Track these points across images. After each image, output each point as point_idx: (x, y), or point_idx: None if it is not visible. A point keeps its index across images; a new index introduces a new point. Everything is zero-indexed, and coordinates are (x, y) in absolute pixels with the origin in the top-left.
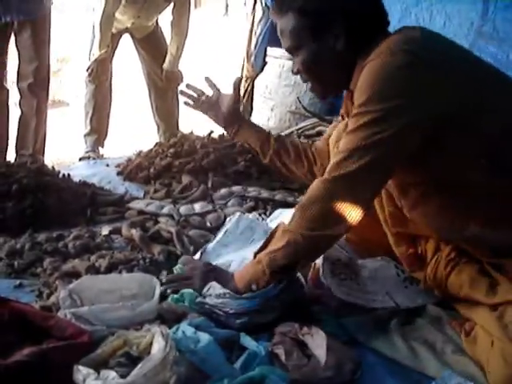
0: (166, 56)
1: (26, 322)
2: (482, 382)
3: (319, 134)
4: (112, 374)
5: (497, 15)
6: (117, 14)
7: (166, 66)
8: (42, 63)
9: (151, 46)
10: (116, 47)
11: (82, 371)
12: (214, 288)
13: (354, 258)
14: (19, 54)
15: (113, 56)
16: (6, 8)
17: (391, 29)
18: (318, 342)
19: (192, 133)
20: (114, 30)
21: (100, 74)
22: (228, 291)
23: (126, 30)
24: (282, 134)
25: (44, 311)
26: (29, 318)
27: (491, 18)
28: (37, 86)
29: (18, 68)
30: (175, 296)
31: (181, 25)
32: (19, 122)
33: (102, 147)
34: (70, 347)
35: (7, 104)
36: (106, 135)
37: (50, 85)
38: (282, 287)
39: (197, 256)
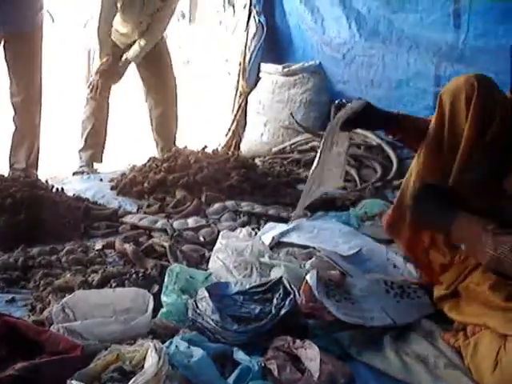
0: (168, 72)
1: (19, 337)
2: None
3: (312, 149)
4: None
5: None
6: (119, 27)
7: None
8: (33, 78)
9: (153, 62)
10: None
11: None
12: (207, 309)
13: (343, 276)
14: (9, 69)
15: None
16: None
17: None
18: (311, 356)
19: (186, 147)
20: (120, 45)
21: (102, 89)
22: (221, 321)
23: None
24: (275, 149)
25: (37, 325)
26: (21, 332)
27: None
28: (29, 101)
29: (10, 83)
30: (165, 311)
31: (158, 25)
32: (13, 137)
33: (100, 162)
34: (63, 362)
35: None
36: (103, 151)
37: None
38: (275, 324)
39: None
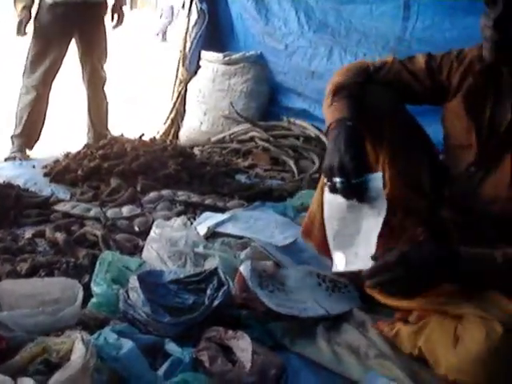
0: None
1: None
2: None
3: (252, 139)
4: (30, 381)
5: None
6: None
7: None
8: None
9: (91, 38)
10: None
11: None
12: (138, 301)
13: (278, 267)
14: None
15: (61, 63)
16: None
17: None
18: (243, 347)
19: (122, 135)
20: None
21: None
22: (152, 314)
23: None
24: (214, 138)
25: None
26: None
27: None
28: None
29: None
30: (95, 301)
31: None
32: None
33: (31, 149)
34: None
35: None
36: (38, 139)
37: None
38: (208, 315)
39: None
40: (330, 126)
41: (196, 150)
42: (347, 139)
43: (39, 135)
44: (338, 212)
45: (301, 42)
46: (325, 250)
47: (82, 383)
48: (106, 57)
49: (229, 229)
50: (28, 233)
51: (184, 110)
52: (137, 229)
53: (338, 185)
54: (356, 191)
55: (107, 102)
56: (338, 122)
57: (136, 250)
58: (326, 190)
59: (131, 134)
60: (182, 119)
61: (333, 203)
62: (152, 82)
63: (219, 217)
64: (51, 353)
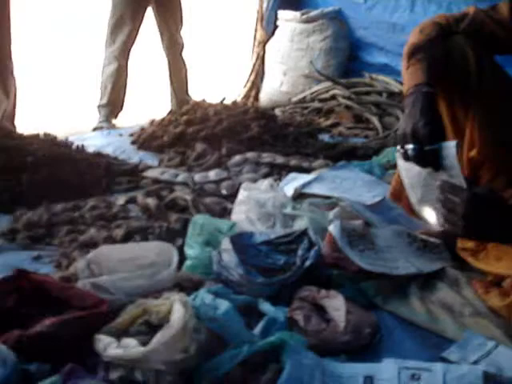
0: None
1: (46, 294)
2: (504, 342)
3: (333, 97)
4: (133, 342)
5: None
6: None
7: None
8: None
9: (167, 5)
10: (141, 21)
11: (102, 340)
12: (231, 262)
13: (367, 226)
14: None
15: (137, 32)
16: None
17: None
18: (336, 306)
19: (204, 100)
20: None
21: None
22: (246, 275)
23: None
24: (295, 98)
25: (63, 282)
26: (48, 289)
27: None
28: None
29: None
30: (189, 264)
31: None
32: None
33: (116, 118)
34: (90, 317)
35: None
36: (122, 108)
37: None
38: (300, 275)
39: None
40: (407, 91)
41: (277, 111)
42: (422, 106)
43: (123, 104)
44: (418, 180)
45: None
46: (414, 212)
47: (182, 343)
48: (182, 23)
49: (316, 189)
50: (120, 199)
51: (263, 72)
52: (224, 192)
53: (410, 152)
54: (429, 159)
55: (186, 69)
56: (414, 87)
57: (225, 213)
58: (399, 157)
59: (212, 99)
60: (262, 81)
61: (412, 171)
62: (228, 44)
63: (305, 177)
64: (151, 314)
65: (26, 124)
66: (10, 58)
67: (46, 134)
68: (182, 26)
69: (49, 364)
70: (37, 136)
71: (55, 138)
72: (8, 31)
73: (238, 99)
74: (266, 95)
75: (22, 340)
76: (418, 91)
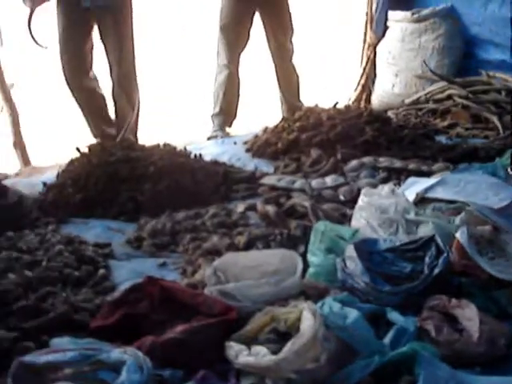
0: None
1: (175, 300)
2: None
3: (449, 97)
4: (263, 350)
5: None
6: None
7: None
8: (124, 52)
9: (276, 17)
10: (250, 26)
11: (234, 347)
12: (356, 269)
13: (496, 232)
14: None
15: (247, 38)
16: None
17: None
18: (468, 316)
19: (317, 105)
20: None
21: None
22: (372, 283)
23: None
24: (408, 100)
25: (190, 289)
26: (177, 296)
27: None
28: (123, 74)
29: (107, 59)
30: (313, 271)
31: None
32: (115, 112)
33: (230, 127)
34: (220, 324)
35: (97, 91)
36: (235, 116)
37: None
38: (428, 284)
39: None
40: None
41: (390, 114)
42: None
43: (236, 112)
44: None
45: None
46: None
47: (313, 352)
48: (291, 29)
49: (439, 193)
50: (240, 207)
51: (374, 74)
52: (342, 198)
53: None
54: None
55: (297, 75)
56: None
57: (344, 219)
58: None
59: (324, 104)
60: (373, 83)
61: None
62: (338, 48)
63: (427, 181)
64: (279, 322)
65: (145, 135)
66: (135, 72)
67: (165, 145)
68: (291, 32)
69: (181, 370)
70: (157, 147)
71: (174, 148)
72: (132, 45)
73: (350, 103)
74: (378, 98)
75: (155, 346)
76: None
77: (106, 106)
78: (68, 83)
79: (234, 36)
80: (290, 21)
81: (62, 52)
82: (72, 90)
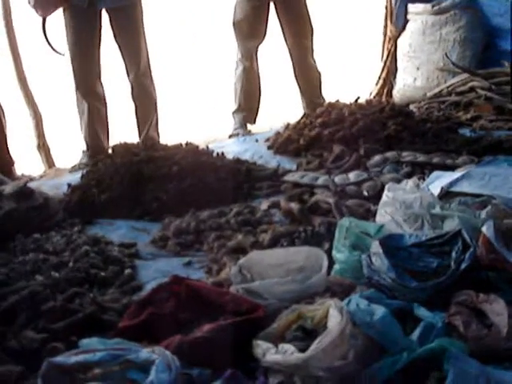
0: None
1: (202, 299)
2: None
3: (472, 89)
4: (290, 347)
5: None
6: None
7: None
8: (140, 52)
9: (293, 14)
10: (265, 21)
11: (261, 345)
12: (382, 266)
13: None
14: (118, 46)
15: (263, 33)
16: None
17: None
18: (497, 310)
19: (338, 100)
20: None
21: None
22: (398, 279)
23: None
24: (431, 93)
25: (216, 287)
26: (204, 294)
27: None
28: (141, 74)
29: (123, 60)
30: (338, 268)
31: None
32: (136, 114)
33: (253, 123)
34: (248, 322)
35: (104, 100)
36: (257, 113)
37: None
38: (455, 279)
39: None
40: None
41: (412, 107)
42: None
43: (257, 108)
44: None
45: None
46: None
47: (341, 349)
48: (310, 27)
49: (464, 187)
50: (263, 204)
51: (395, 68)
52: (366, 193)
53: None
54: None
55: (319, 72)
56: None
57: (368, 215)
58: None
59: (346, 99)
60: (394, 77)
61: None
62: (358, 43)
63: (451, 175)
64: (306, 319)
65: (167, 134)
66: (151, 70)
67: (188, 144)
68: (311, 30)
69: (209, 369)
70: (180, 146)
71: (197, 147)
72: (146, 44)
73: (371, 97)
74: (400, 91)
75: (182, 345)
76: None
77: (107, 117)
78: (79, 88)
79: (246, 31)
80: (309, 19)
81: (73, 57)
82: (83, 95)
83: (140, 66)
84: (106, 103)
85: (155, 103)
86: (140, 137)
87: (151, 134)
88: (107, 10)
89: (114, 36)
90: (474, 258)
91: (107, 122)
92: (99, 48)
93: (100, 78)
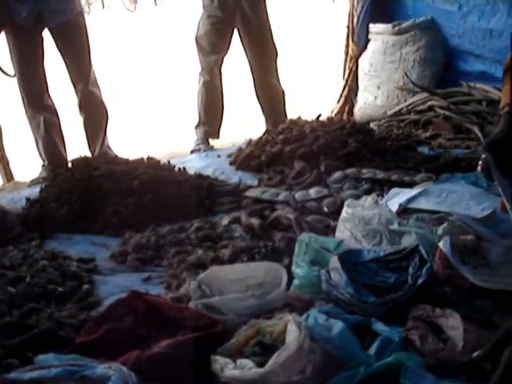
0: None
1: (160, 314)
2: None
3: (431, 108)
4: (249, 363)
5: None
6: None
7: None
8: (87, 63)
9: (255, 36)
10: (228, 39)
11: (219, 361)
12: (340, 281)
13: (478, 241)
14: (64, 60)
15: (224, 49)
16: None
17: None
18: (453, 325)
19: (300, 117)
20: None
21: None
22: (357, 294)
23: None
24: (391, 111)
25: (175, 302)
26: (163, 310)
27: None
28: (91, 85)
29: (69, 73)
30: (298, 283)
31: None
32: (85, 125)
33: (216, 138)
34: (206, 338)
35: (56, 113)
36: (220, 127)
37: None
38: (412, 294)
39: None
40: (500, 111)
41: (373, 125)
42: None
43: (219, 123)
44: None
45: (477, 1)
46: None
47: (299, 364)
48: (274, 49)
49: (422, 204)
50: (224, 220)
51: (356, 87)
52: (326, 209)
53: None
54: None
55: (282, 90)
56: (502, 110)
57: (328, 231)
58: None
59: (307, 116)
60: (356, 95)
61: None
62: (319, 61)
63: (409, 192)
64: (265, 334)
65: (129, 148)
66: (97, 82)
67: (149, 158)
68: (274, 52)
69: None
70: (141, 160)
71: (158, 161)
72: (90, 57)
73: (333, 115)
74: (361, 110)
75: (140, 361)
76: (503, 113)
77: (61, 127)
78: (29, 104)
79: (207, 46)
80: (273, 41)
81: (20, 74)
82: (36, 110)
83: (88, 77)
84: (58, 116)
85: (106, 113)
86: (90, 149)
87: (105, 149)
88: (50, 29)
89: (60, 51)
90: (431, 273)
91: (63, 135)
92: (43, 63)
93: (48, 92)
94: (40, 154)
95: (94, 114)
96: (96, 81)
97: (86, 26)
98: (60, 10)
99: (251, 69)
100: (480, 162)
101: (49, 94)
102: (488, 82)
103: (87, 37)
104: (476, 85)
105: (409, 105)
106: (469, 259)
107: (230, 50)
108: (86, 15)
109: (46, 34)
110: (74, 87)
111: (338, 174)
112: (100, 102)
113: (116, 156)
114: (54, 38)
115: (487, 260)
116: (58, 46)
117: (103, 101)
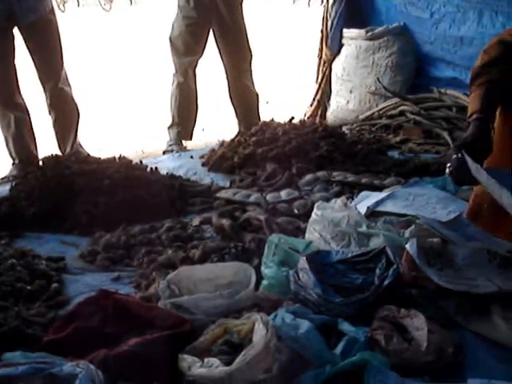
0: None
1: (129, 313)
2: None
3: (402, 113)
4: (216, 361)
5: None
6: None
7: None
8: (61, 64)
9: (230, 38)
10: (204, 39)
11: (187, 359)
12: (308, 282)
13: (444, 244)
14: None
15: (200, 49)
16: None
17: None
18: (417, 325)
19: (273, 120)
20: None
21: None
22: (324, 295)
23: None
24: (363, 116)
25: (144, 302)
26: (132, 309)
27: None
28: (62, 83)
29: (37, 72)
30: (266, 283)
31: None
32: (55, 125)
33: (189, 139)
34: (174, 336)
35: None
36: (193, 129)
37: None
38: (379, 295)
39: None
40: (468, 118)
41: (345, 129)
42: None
43: (193, 124)
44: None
45: (448, 9)
46: (496, 232)
47: (265, 363)
48: (249, 52)
49: (389, 207)
50: (195, 220)
51: (329, 90)
52: (296, 211)
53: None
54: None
55: (256, 93)
56: (470, 117)
57: (298, 232)
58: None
59: (280, 119)
60: (328, 99)
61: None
62: (293, 64)
63: (378, 195)
64: (232, 334)
65: (101, 147)
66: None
67: (121, 158)
68: (249, 55)
69: (134, 383)
70: (113, 160)
71: (130, 161)
72: (62, 56)
73: (305, 118)
74: (333, 113)
75: (107, 359)
76: (472, 120)
77: (32, 125)
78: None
79: (181, 48)
80: (248, 44)
81: None
82: (6, 108)
83: (59, 76)
84: (29, 114)
85: (78, 111)
86: (60, 148)
87: (76, 148)
88: (20, 27)
89: (29, 50)
90: (397, 274)
91: (34, 133)
92: (14, 61)
93: (19, 90)
94: (10, 153)
95: (66, 112)
96: (67, 79)
97: (57, 24)
98: (31, 8)
99: (226, 70)
100: (448, 165)
101: (20, 92)
102: (458, 88)
103: (59, 34)
104: (446, 91)
105: (380, 109)
106: (434, 261)
107: (205, 52)
108: (60, 13)
109: (16, 31)
110: (43, 86)
111: (309, 177)
112: (71, 100)
113: (88, 155)
114: (23, 35)
115: (452, 262)
116: (27, 44)
117: (74, 99)
